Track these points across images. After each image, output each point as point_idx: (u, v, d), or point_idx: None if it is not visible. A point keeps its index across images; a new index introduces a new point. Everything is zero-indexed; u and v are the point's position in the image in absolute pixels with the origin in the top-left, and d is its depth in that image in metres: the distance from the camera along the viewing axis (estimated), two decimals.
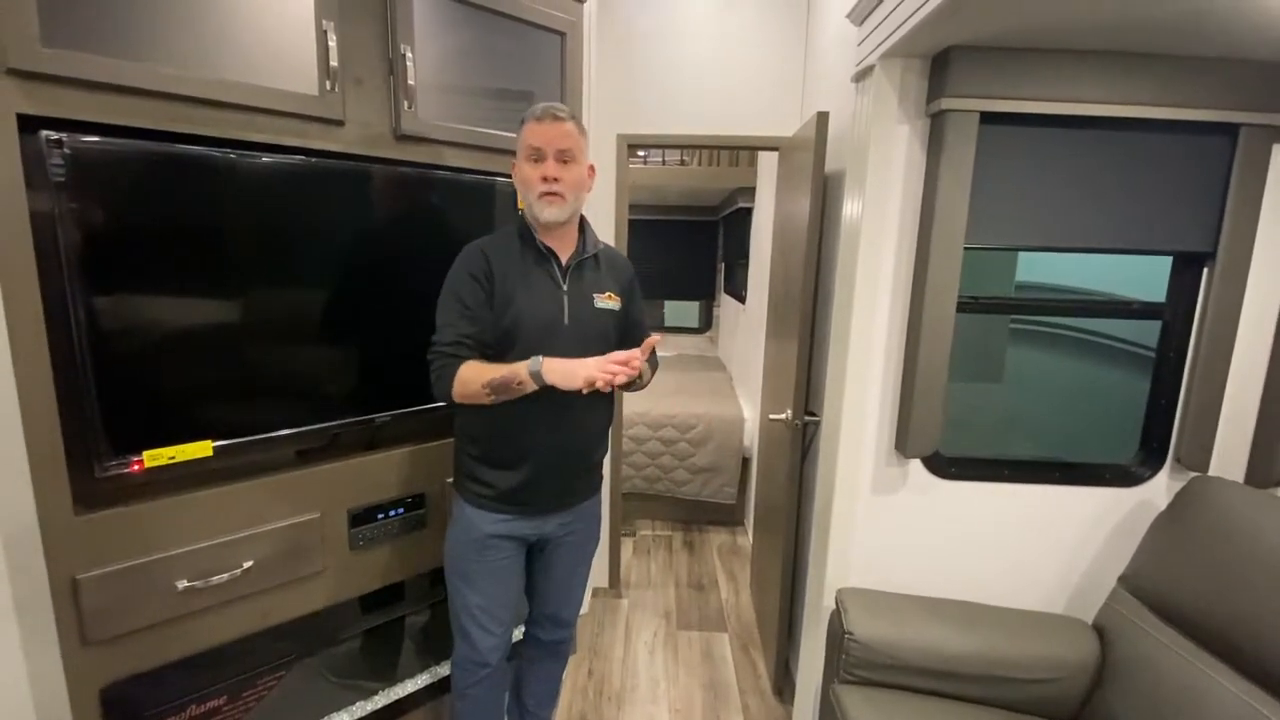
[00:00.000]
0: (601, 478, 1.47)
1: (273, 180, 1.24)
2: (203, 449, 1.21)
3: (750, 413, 3.36)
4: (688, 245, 5.86)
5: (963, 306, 1.37)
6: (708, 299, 6.14)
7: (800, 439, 1.88)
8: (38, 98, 0.96)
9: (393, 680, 1.62)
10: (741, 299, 4.23)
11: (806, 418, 1.86)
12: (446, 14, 1.44)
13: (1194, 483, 1.32)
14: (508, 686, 1.59)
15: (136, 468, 1.13)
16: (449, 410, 1.42)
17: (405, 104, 1.37)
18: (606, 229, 2.34)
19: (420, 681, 1.65)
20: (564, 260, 1.29)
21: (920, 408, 1.39)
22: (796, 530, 1.97)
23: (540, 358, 1.16)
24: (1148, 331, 2.13)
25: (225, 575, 1.22)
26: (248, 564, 1.25)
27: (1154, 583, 1.28)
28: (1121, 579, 1.37)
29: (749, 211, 4.07)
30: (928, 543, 1.53)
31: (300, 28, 1.21)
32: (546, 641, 1.54)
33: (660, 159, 4.75)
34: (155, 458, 1.15)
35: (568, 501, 1.37)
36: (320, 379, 1.40)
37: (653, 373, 1.43)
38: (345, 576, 1.44)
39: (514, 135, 1.55)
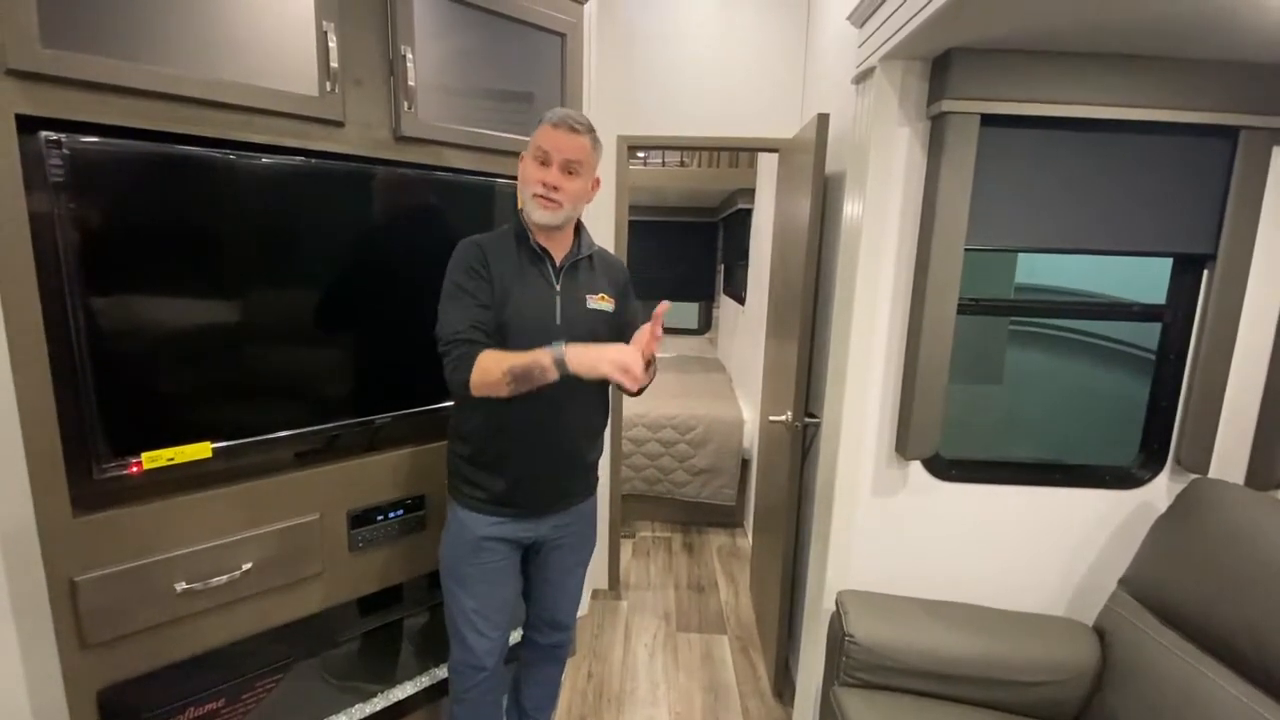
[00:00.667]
0: (597, 479, 1.47)
1: (272, 181, 1.24)
2: (202, 450, 1.20)
3: (750, 414, 3.36)
4: (687, 247, 5.86)
5: (963, 308, 1.37)
6: (707, 300, 6.13)
7: (800, 441, 1.88)
8: (37, 98, 0.95)
9: (391, 682, 1.62)
10: (741, 300, 4.23)
11: (806, 419, 1.86)
12: (447, 15, 1.44)
13: (1194, 485, 1.32)
14: (506, 690, 1.59)
15: (135, 469, 1.13)
16: (448, 410, 1.42)
17: (405, 105, 1.37)
18: (606, 230, 2.34)
19: (420, 684, 1.65)
20: (558, 261, 1.29)
21: (920, 409, 1.38)
22: (796, 532, 1.97)
23: (563, 344, 1.12)
24: (1147, 334, 2.14)
25: (224, 577, 1.22)
26: (247, 566, 1.25)
27: (1155, 585, 1.28)
28: (1122, 581, 1.37)
29: (748, 213, 4.07)
30: (928, 545, 1.53)
31: (300, 28, 1.21)
32: (544, 645, 1.54)
33: (660, 160, 4.76)
34: (154, 459, 1.15)
35: (561, 503, 1.37)
36: (320, 380, 1.39)
37: (650, 378, 1.43)
38: (344, 578, 1.43)
39: (514, 136, 1.57)
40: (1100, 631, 1.34)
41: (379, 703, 1.58)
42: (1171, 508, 1.33)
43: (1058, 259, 2.64)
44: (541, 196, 1.21)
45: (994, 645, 1.32)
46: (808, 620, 1.69)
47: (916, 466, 1.50)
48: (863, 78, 1.43)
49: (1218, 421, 1.41)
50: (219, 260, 1.21)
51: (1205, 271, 1.39)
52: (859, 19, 1.43)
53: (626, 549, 3.07)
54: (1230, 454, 1.44)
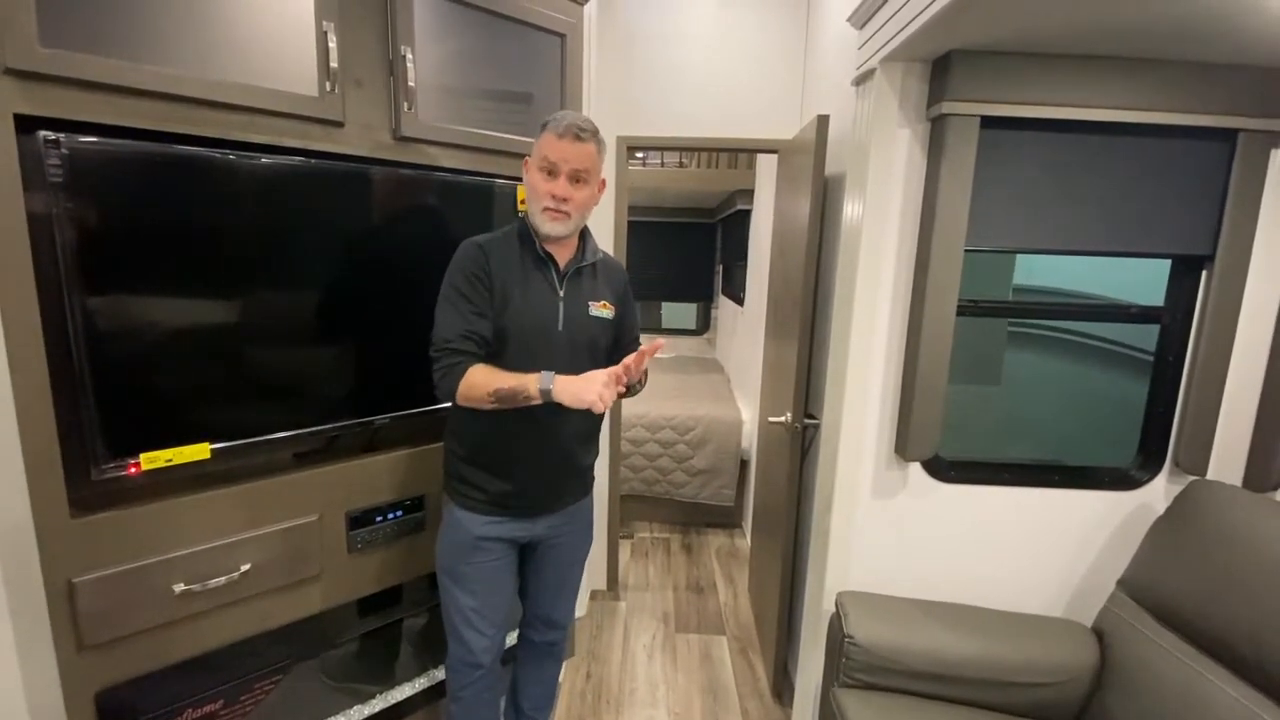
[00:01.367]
0: (593, 480, 1.47)
1: (272, 182, 1.23)
2: (200, 451, 1.20)
3: (748, 415, 3.36)
4: (686, 247, 5.86)
5: (963, 310, 1.38)
6: (706, 301, 6.14)
7: (800, 442, 1.88)
8: (35, 98, 0.95)
9: (390, 684, 1.62)
10: (740, 301, 4.23)
11: (806, 420, 1.86)
12: (447, 16, 1.43)
13: (1192, 487, 1.32)
14: (503, 691, 1.59)
15: (133, 470, 1.12)
16: (446, 412, 1.42)
17: (405, 105, 1.36)
18: (606, 231, 2.34)
19: (418, 685, 1.64)
20: (562, 266, 1.29)
21: (920, 411, 1.39)
22: (795, 533, 1.97)
23: (552, 375, 1.14)
24: (1144, 336, 2.14)
25: (223, 578, 1.22)
26: (245, 567, 1.25)
27: (1153, 586, 1.28)
28: (1120, 582, 1.37)
29: (747, 214, 4.07)
30: (927, 546, 1.53)
31: (300, 29, 1.21)
32: (540, 643, 1.54)
33: (659, 161, 4.76)
34: (152, 460, 1.14)
35: (558, 504, 1.37)
36: (319, 381, 1.39)
37: (643, 382, 1.43)
38: (343, 579, 1.43)
39: (514, 137, 1.57)
40: (1099, 632, 1.34)
41: (377, 704, 1.57)
42: (1170, 509, 1.34)
43: (1056, 261, 2.65)
44: (551, 209, 1.21)
45: (993, 646, 1.32)
46: (807, 621, 1.69)
47: (916, 468, 1.50)
48: (863, 79, 1.43)
49: (1216, 423, 1.42)
50: (218, 261, 1.20)
51: (1203, 273, 1.39)
52: (859, 21, 1.43)
53: (625, 550, 3.07)
54: (1228, 455, 1.44)
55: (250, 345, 1.26)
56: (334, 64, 1.25)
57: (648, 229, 5.54)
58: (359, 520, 1.43)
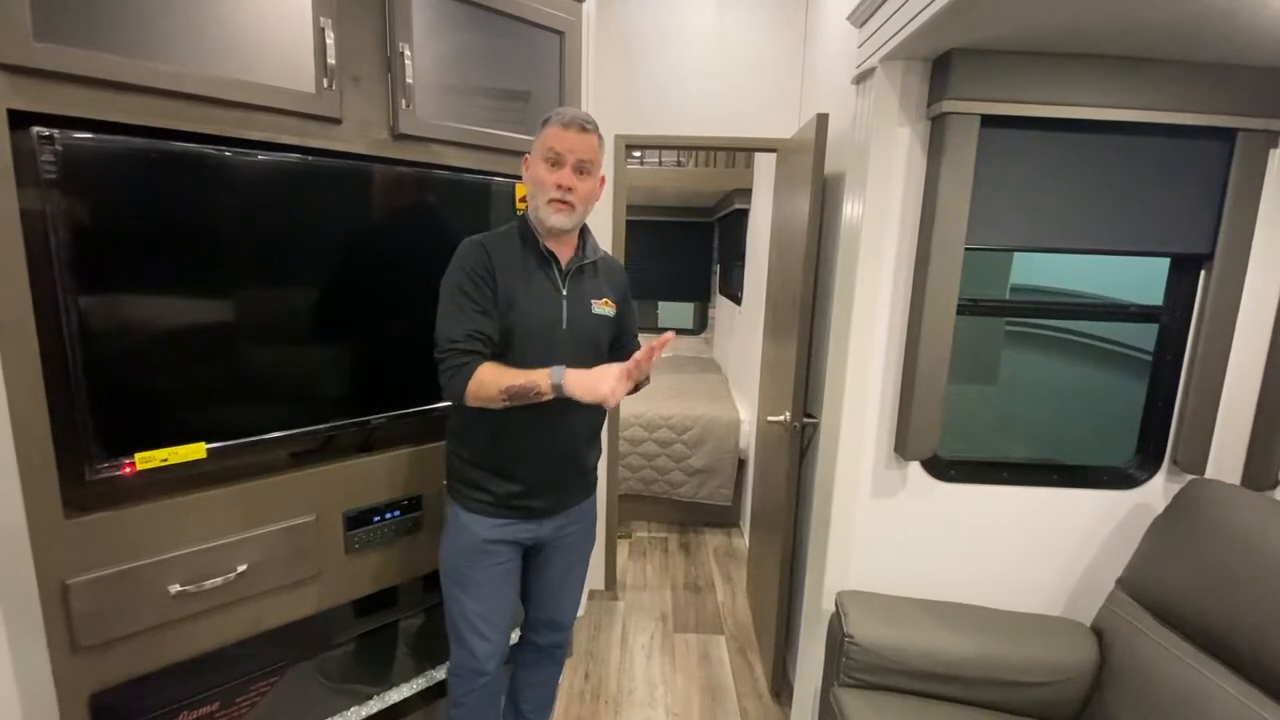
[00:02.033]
0: (596, 479, 1.46)
1: (269, 179, 1.22)
2: (196, 451, 1.19)
3: (746, 414, 3.36)
4: (683, 247, 5.86)
5: (962, 309, 1.38)
6: (703, 300, 6.13)
7: (799, 441, 1.88)
8: (29, 93, 0.94)
9: (387, 685, 1.61)
10: (737, 300, 4.23)
11: (805, 420, 1.86)
12: (445, 12, 1.42)
13: (1191, 486, 1.32)
14: (503, 693, 1.58)
15: (128, 470, 1.11)
16: (446, 411, 1.41)
17: (403, 103, 1.36)
18: (604, 230, 2.33)
19: (416, 686, 1.63)
20: (564, 264, 1.28)
21: (920, 410, 1.39)
22: (794, 533, 1.97)
23: (563, 369, 1.15)
24: (1142, 335, 2.15)
25: (219, 579, 1.21)
26: (242, 568, 1.24)
27: (1152, 585, 1.28)
28: (1119, 582, 1.37)
29: (745, 213, 4.07)
30: (926, 545, 1.53)
31: (297, 24, 1.20)
32: (543, 646, 1.53)
33: (657, 160, 4.75)
34: (147, 460, 1.13)
35: (564, 504, 1.36)
36: (316, 380, 1.38)
37: (648, 379, 1.43)
38: (341, 580, 1.42)
39: (512, 135, 1.56)
40: (1098, 631, 1.35)
41: (375, 705, 1.56)
42: (1169, 508, 1.34)
43: (1054, 261, 2.66)
44: (558, 200, 1.20)
45: (993, 646, 1.32)
46: (806, 621, 1.69)
47: (915, 467, 1.50)
48: (863, 78, 1.43)
49: (1214, 422, 1.42)
50: (213, 258, 1.19)
51: (1202, 272, 1.40)
52: (859, 19, 1.43)
53: (623, 549, 3.07)
54: (1226, 454, 1.45)
55: (246, 344, 1.25)
56: (331, 60, 1.24)
57: (645, 228, 5.53)
58: (356, 520, 1.42)
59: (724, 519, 3.40)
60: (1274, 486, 1.40)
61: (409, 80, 1.35)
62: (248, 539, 1.25)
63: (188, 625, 1.20)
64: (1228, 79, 1.26)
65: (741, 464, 3.30)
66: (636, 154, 4.52)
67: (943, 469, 1.51)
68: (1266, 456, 1.39)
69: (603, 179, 1.30)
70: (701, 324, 6.19)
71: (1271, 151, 1.32)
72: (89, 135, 1.00)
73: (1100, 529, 1.51)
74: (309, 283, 1.33)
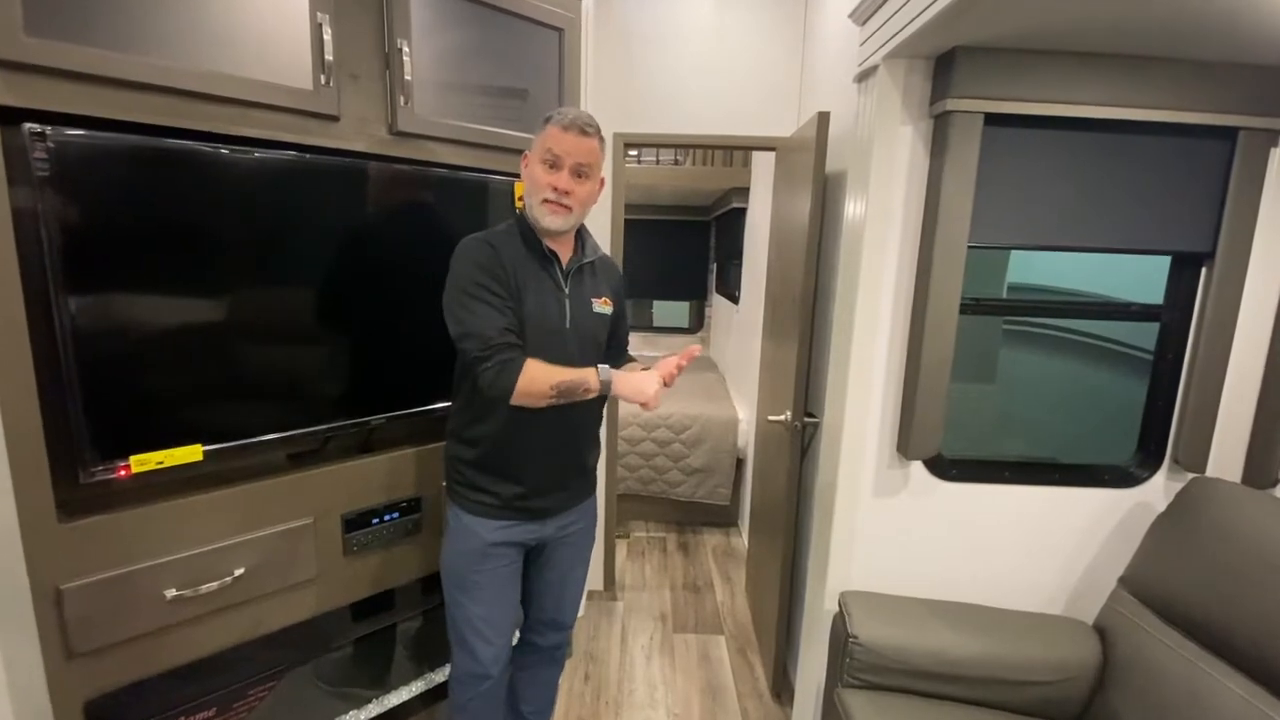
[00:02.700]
0: (596, 478, 1.46)
1: (266, 177, 1.21)
2: (192, 453, 1.17)
3: (745, 414, 3.36)
4: (679, 246, 5.84)
5: (965, 308, 1.37)
6: (699, 299, 6.12)
7: (799, 441, 1.87)
8: (20, 89, 0.92)
9: (386, 688, 1.59)
10: (735, 299, 4.22)
11: (805, 419, 1.86)
12: (443, 8, 1.41)
13: (1194, 484, 1.32)
14: (504, 695, 1.57)
15: (123, 473, 1.09)
16: (445, 412, 1.40)
17: (402, 100, 1.34)
18: (603, 229, 2.32)
19: (415, 689, 1.62)
20: (565, 264, 1.28)
21: (923, 409, 1.38)
22: (795, 532, 1.96)
23: (608, 368, 1.20)
24: (1139, 333, 2.15)
25: (215, 583, 1.19)
26: (239, 571, 1.22)
27: (1155, 584, 1.28)
28: (1122, 580, 1.37)
29: (742, 212, 4.06)
30: (928, 545, 1.53)
31: (294, 20, 1.18)
32: (544, 647, 1.52)
33: (654, 159, 4.74)
34: (143, 462, 1.11)
35: (567, 504, 1.36)
36: (313, 380, 1.36)
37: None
38: (339, 583, 1.40)
39: (511, 133, 1.55)
40: (1101, 630, 1.35)
41: (374, 709, 1.55)
42: (1171, 506, 1.34)
43: (1048, 260, 2.67)
44: (553, 202, 1.19)
45: (997, 645, 1.32)
46: (808, 621, 1.69)
47: (917, 466, 1.50)
48: (865, 76, 1.42)
49: (1215, 420, 1.42)
50: (209, 257, 1.17)
51: (1203, 271, 1.40)
52: (861, 17, 1.42)
53: (621, 549, 3.06)
54: (1227, 453, 1.45)
55: (243, 343, 1.23)
56: (329, 56, 1.22)
57: (641, 227, 5.50)
58: (355, 522, 1.41)
59: (722, 518, 3.40)
60: (1274, 485, 1.40)
61: (408, 77, 1.33)
62: (245, 542, 1.23)
63: (184, 630, 1.18)
64: (1229, 78, 1.26)
65: (739, 463, 3.29)
66: (633, 152, 4.51)
67: (944, 468, 1.50)
68: (1267, 455, 1.39)
69: (602, 181, 1.29)
70: (698, 323, 6.18)
71: (1272, 150, 1.32)
72: (82, 132, 0.98)
73: (1101, 528, 1.51)
74: (306, 282, 1.31)
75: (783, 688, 2.07)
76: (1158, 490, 1.49)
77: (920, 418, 1.39)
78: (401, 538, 1.49)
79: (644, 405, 1.19)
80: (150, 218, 1.09)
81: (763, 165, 3.39)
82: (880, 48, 1.32)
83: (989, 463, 1.52)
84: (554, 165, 1.19)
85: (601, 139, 1.23)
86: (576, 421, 1.30)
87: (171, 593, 1.14)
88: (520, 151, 1.28)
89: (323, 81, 1.22)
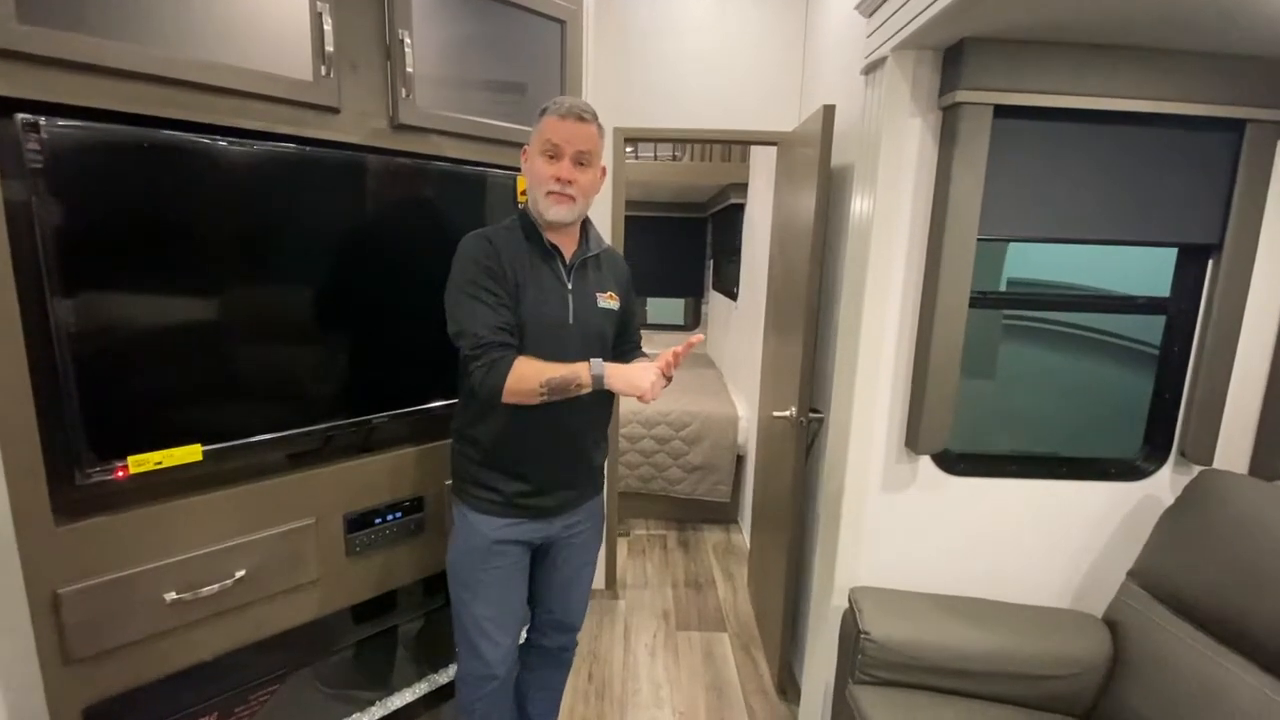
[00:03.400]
0: (604, 477, 1.44)
1: (265, 170, 1.18)
2: (191, 453, 1.14)
3: (744, 410, 3.35)
4: (676, 242, 5.83)
5: (975, 301, 1.36)
6: (696, 297, 6.11)
7: (805, 437, 1.86)
8: (13, 78, 0.89)
9: (389, 690, 1.57)
10: (733, 296, 4.21)
11: (810, 415, 1.84)
12: None
13: (1203, 476, 1.32)
14: (511, 695, 1.55)
15: (121, 474, 1.06)
16: (449, 409, 1.37)
17: (403, 92, 1.31)
18: (603, 225, 2.30)
19: (419, 690, 1.60)
20: (568, 258, 1.25)
21: (932, 403, 1.37)
22: (800, 529, 1.95)
23: (601, 361, 1.15)
24: (1139, 327, 2.15)
25: (216, 586, 1.16)
26: (240, 573, 1.20)
27: (1165, 577, 1.28)
28: (1131, 573, 1.37)
29: (740, 208, 4.05)
30: (937, 539, 1.52)
31: (294, 9, 1.16)
32: (551, 649, 1.51)
33: (652, 154, 4.72)
34: (141, 463, 1.09)
35: (573, 503, 1.34)
36: (314, 379, 1.34)
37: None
38: (342, 584, 1.38)
39: (515, 126, 1.52)
40: (1111, 624, 1.34)
41: (377, 711, 1.53)
42: (1180, 499, 1.34)
43: (1048, 255, 2.67)
44: (556, 193, 1.17)
45: (1007, 640, 1.31)
46: (815, 617, 1.68)
47: (925, 461, 1.49)
48: (872, 68, 1.40)
49: (1222, 412, 1.42)
50: (207, 252, 1.14)
51: (1210, 262, 1.40)
52: (868, 9, 1.41)
53: (622, 547, 3.04)
54: (1233, 445, 1.45)
55: (242, 341, 1.21)
56: (329, 47, 1.19)
57: (638, 224, 5.47)
58: (357, 523, 1.39)
59: (722, 515, 3.39)
60: None
61: (409, 69, 1.31)
62: (246, 543, 1.21)
63: (184, 634, 1.15)
64: (1236, 70, 1.26)
65: (739, 460, 3.29)
66: (629, 149, 4.48)
67: (952, 462, 1.50)
68: (1274, 447, 1.39)
69: (603, 169, 1.27)
70: (695, 320, 6.17)
71: (1279, 142, 1.32)
72: (77, 123, 0.95)
73: (1108, 521, 1.51)
74: (305, 278, 1.28)
75: (788, 685, 2.06)
76: (1164, 483, 1.49)
77: (930, 411, 1.38)
78: (404, 538, 1.47)
79: (641, 398, 1.14)
80: (147, 212, 1.06)
81: (761, 161, 3.38)
82: (888, 39, 1.31)
83: (996, 457, 1.52)
84: (554, 155, 1.17)
85: (599, 126, 1.21)
86: (583, 418, 1.28)
87: (171, 596, 1.12)
88: (522, 145, 1.26)
89: (323, 72, 1.20)
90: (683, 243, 5.84)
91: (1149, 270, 1.57)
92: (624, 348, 1.38)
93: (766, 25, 2.31)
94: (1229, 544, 1.18)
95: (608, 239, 2.29)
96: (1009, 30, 1.20)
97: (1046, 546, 1.52)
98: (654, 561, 2.96)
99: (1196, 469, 1.41)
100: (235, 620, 1.22)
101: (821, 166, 1.68)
